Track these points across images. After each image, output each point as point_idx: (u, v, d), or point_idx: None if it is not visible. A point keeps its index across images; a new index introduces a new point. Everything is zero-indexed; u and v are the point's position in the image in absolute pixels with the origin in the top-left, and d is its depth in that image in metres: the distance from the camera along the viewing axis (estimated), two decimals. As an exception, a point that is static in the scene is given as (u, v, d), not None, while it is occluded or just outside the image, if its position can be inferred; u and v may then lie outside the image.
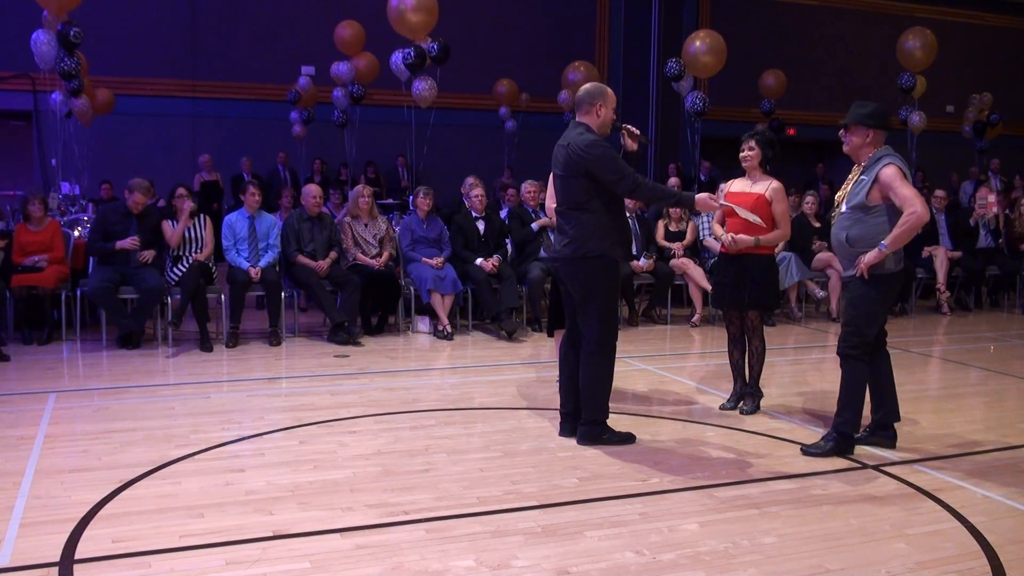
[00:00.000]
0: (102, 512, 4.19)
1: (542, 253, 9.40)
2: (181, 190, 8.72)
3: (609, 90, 5.44)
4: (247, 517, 4.16)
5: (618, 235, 5.37)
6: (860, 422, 5.35)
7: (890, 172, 5.02)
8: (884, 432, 5.41)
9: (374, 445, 5.33)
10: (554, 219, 6.05)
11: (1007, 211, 12.50)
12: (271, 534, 3.97)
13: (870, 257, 5.06)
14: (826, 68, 20.36)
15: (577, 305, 5.38)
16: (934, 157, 18.22)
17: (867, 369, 5.27)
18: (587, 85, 5.49)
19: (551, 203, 6.13)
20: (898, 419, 5.60)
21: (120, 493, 4.44)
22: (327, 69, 15.03)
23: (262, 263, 8.61)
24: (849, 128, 5.23)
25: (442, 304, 8.96)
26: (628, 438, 5.44)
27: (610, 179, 5.19)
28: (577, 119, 5.40)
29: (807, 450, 5.28)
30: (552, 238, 8.85)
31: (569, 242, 5.30)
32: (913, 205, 4.94)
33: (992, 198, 11.92)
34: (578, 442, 5.40)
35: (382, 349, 8.48)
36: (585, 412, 5.41)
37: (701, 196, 5.44)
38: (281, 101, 16.23)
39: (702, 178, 15.79)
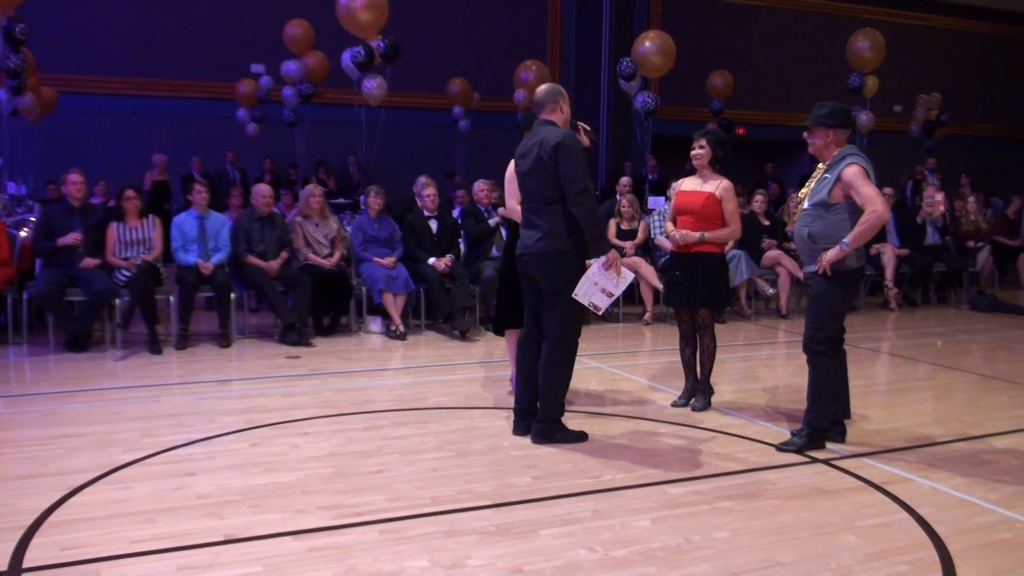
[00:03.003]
0: (51, 519, 4.12)
1: (494, 252, 9.40)
2: (129, 191, 8.59)
3: (563, 89, 5.55)
4: (199, 521, 4.12)
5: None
6: (831, 415, 5.41)
7: (852, 171, 5.11)
8: (834, 427, 5.48)
9: (327, 446, 5.30)
10: (511, 214, 6.06)
11: (953, 209, 12.73)
12: (223, 538, 3.93)
13: (831, 255, 5.14)
14: (776, 69, 20.59)
15: (544, 300, 5.40)
16: (882, 156, 18.47)
17: (834, 363, 5.34)
18: (545, 86, 5.55)
19: (512, 201, 6.10)
20: (848, 416, 5.70)
21: (69, 499, 4.37)
22: (277, 67, 14.91)
23: (212, 261, 8.52)
24: (810, 130, 5.32)
25: (394, 304, 8.94)
26: (581, 436, 5.47)
27: (567, 175, 5.16)
28: (542, 118, 5.44)
29: (782, 447, 5.33)
30: (504, 235, 8.86)
31: (542, 236, 5.29)
32: (874, 204, 5.04)
33: (939, 196, 12.15)
34: (533, 440, 5.41)
35: (334, 350, 8.44)
36: (542, 408, 5.43)
37: (613, 254, 5.32)
38: (229, 99, 16.07)
39: (650, 177, 15.88)
